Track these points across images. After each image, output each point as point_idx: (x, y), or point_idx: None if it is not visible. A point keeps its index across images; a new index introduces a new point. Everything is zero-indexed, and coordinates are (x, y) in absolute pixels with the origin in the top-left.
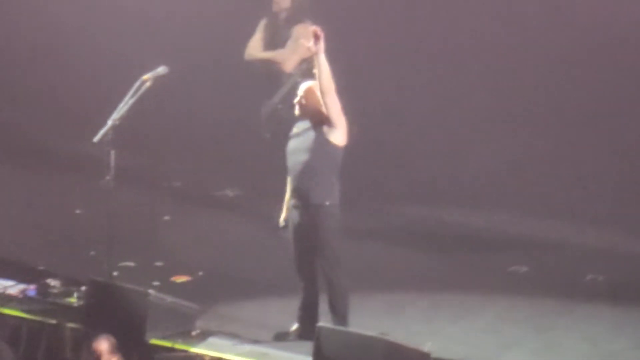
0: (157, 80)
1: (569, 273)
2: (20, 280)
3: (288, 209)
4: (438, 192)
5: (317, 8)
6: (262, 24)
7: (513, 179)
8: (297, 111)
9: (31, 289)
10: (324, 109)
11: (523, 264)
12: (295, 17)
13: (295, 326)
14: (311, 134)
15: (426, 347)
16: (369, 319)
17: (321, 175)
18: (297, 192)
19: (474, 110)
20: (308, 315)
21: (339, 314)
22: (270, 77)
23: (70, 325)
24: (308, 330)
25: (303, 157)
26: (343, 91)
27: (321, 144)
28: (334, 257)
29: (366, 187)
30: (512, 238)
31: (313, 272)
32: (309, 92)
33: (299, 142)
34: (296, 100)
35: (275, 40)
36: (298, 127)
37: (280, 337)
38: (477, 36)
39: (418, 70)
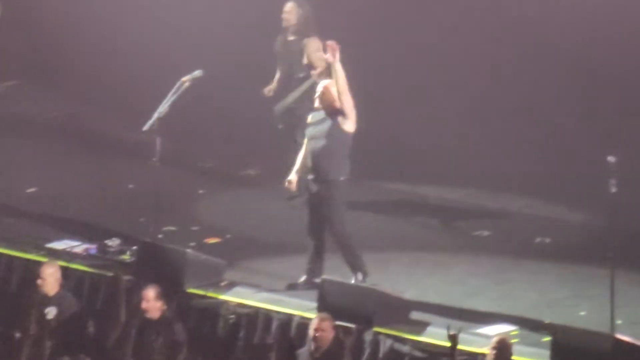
0: (194, 81)
1: (521, 236)
2: (84, 240)
3: (303, 182)
4: (419, 171)
5: (320, 22)
6: (277, 43)
7: (478, 160)
8: (316, 104)
9: (92, 248)
10: (337, 104)
11: (485, 229)
12: (302, 31)
13: (303, 278)
14: (327, 123)
15: (407, 295)
16: None
17: (336, 156)
18: (317, 169)
19: (447, 104)
20: (314, 269)
21: (356, 267)
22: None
23: (125, 277)
24: (313, 281)
25: (322, 141)
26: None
27: (336, 131)
28: (342, 222)
29: (363, 167)
30: (477, 208)
31: (322, 233)
32: (326, 89)
33: (318, 129)
34: (316, 95)
35: (286, 51)
36: (314, 117)
37: (291, 287)
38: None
39: (402, 68)
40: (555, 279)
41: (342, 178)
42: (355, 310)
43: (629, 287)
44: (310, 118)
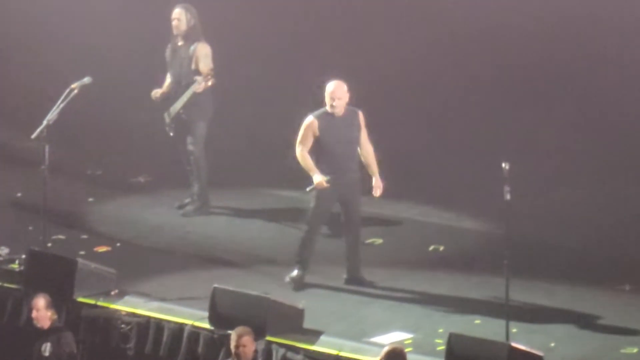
0: (83, 88)
1: (415, 244)
2: None
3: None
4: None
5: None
6: (167, 49)
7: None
8: (336, 110)
9: None
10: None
11: (379, 237)
12: (191, 37)
13: (296, 272)
14: (352, 130)
15: (300, 304)
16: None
17: (357, 158)
18: (343, 169)
19: None
20: (307, 262)
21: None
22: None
23: (13, 286)
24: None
25: (349, 145)
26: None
27: (357, 136)
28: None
29: (254, 175)
30: (370, 216)
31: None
32: (345, 92)
33: (343, 135)
34: (334, 103)
35: (177, 59)
36: (337, 123)
37: (299, 286)
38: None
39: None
40: (450, 287)
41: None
42: (248, 319)
43: (524, 295)
44: (332, 123)
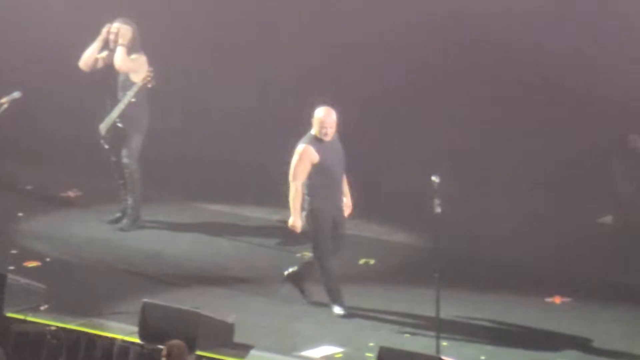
0: (13, 102)
1: (346, 257)
2: None
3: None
4: (243, 193)
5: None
6: (104, 54)
7: None
8: (327, 137)
9: None
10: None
11: (309, 250)
12: (130, 48)
13: (337, 308)
14: (340, 153)
15: (230, 318)
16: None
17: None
18: (338, 192)
19: (270, 125)
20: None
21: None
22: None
23: None
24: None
25: (341, 167)
26: None
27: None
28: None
29: (186, 189)
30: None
31: None
32: (335, 119)
33: (336, 158)
34: (326, 130)
35: (113, 70)
36: (328, 146)
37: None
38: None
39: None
40: (380, 300)
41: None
42: (178, 333)
43: (454, 308)
44: (324, 148)
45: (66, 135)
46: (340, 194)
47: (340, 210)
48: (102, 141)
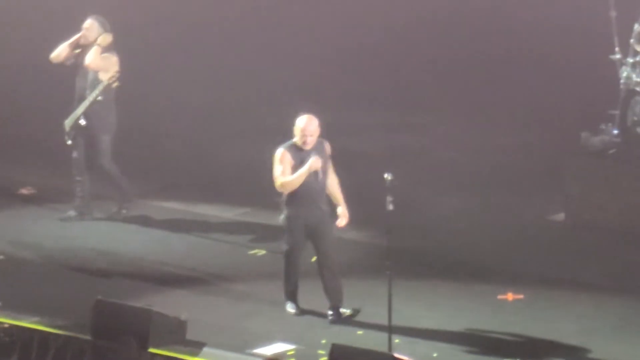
0: None
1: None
2: None
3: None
4: (196, 190)
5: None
6: (77, 52)
7: (254, 179)
8: (307, 146)
9: None
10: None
11: (262, 248)
12: (105, 48)
13: (288, 306)
14: (322, 162)
15: (183, 316)
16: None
17: (325, 189)
18: (313, 203)
19: (230, 123)
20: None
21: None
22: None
23: None
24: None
25: (319, 178)
26: None
27: (326, 169)
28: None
29: (141, 186)
30: (253, 227)
31: None
32: (316, 128)
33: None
34: (305, 139)
35: (83, 67)
36: (306, 155)
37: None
38: None
39: None
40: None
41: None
42: (130, 331)
43: (406, 306)
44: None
45: (20, 133)
46: (319, 203)
47: (320, 220)
48: (66, 137)
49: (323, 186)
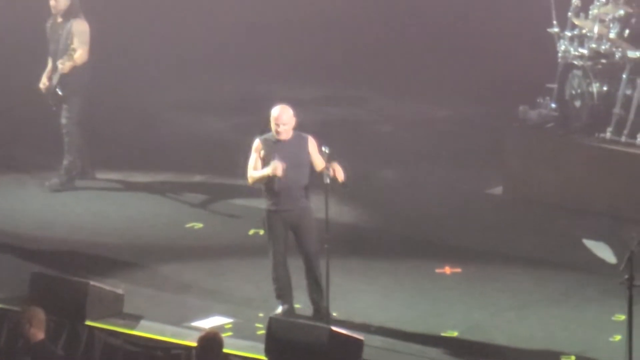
0: None
1: (236, 229)
2: None
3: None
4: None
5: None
6: (47, 25)
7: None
8: (281, 136)
9: None
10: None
11: (199, 221)
12: (70, 14)
13: (280, 308)
14: (296, 155)
15: (120, 289)
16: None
17: (305, 183)
18: (290, 196)
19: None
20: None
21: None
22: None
23: None
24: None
25: (296, 171)
26: None
27: (305, 163)
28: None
29: None
30: (192, 200)
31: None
32: (290, 117)
33: (291, 160)
34: (279, 129)
35: (55, 35)
36: (281, 147)
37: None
38: None
39: None
40: (270, 271)
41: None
42: (67, 304)
43: (344, 280)
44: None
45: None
46: (297, 199)
47: (298, 217)
48: (50, 102)
49: (300, 182)
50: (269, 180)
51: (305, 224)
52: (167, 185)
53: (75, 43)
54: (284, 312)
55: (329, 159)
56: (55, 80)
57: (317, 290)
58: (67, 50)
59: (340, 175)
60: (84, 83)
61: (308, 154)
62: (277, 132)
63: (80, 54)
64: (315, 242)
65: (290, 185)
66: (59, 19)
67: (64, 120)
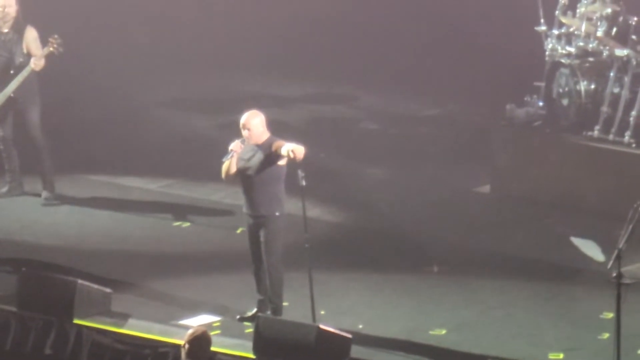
0: None
1: (224, 227)
2: None
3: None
4: (121, 163)
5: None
6: None
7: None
8: (248, 140)
9: None
10: (265, 135)
11: (187, 220)
12: (18, 22)
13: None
14: (259, 160)
15: (108, 288)
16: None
17: (271, 191)
18: (256, 202)
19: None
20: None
21: (276, 300)
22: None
23: None
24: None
25: (263, 177)
26: None
27: (275, 170)
28: (278, 256)
29: (65, 160)
30: (177, 199)
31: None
32: (255, 123)
33: (252, 163)
34: (244, 133)
35: (4, 42)
36: (249, 150)
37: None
38: None
39: None
40: None
41: (277, 214)
42: (56, 302)
43: (331, 278)
44: (245, 153)
45: None
46: (258, 202)
47: (257, 221)
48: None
49: (261, 188)
50: (240, 178)
51: (266, 228)
52: (154, 183)
53: (33, 49)
54: (258, 304)
55: (301, 162)
56: (11, 88)
57: (273, 296)
58: (21, 58)
59: (299, 153)
60: (37, 91)
61: (276, 160)
62: (244, 136)
63: (40, 57)
64: (273, 250)
65: (250, 190)
66: (5, 30)
67: (33, 133)
